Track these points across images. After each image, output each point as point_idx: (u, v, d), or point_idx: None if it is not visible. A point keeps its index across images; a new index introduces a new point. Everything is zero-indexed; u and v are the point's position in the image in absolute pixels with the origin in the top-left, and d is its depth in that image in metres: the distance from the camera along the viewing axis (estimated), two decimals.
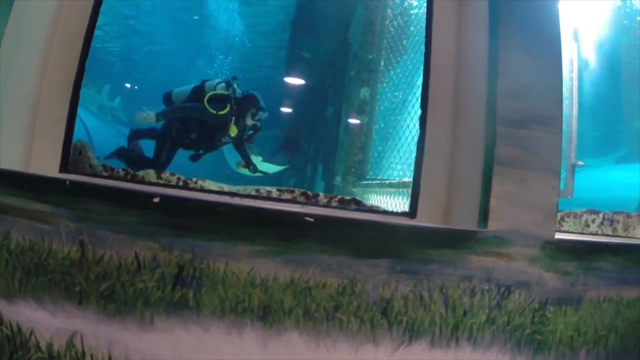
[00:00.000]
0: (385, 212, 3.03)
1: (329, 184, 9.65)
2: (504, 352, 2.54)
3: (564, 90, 3.92)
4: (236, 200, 2.78)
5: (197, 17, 20.03)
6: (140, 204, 2.31)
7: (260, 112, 7.57)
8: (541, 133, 2.60)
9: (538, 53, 2.67)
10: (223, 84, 7.45)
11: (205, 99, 7.17)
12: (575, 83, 4.03)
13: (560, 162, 2.65)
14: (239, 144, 7.94)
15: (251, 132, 7.74)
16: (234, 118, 7.35)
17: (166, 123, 7.30)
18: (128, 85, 24.93)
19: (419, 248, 2.44)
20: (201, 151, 7.74)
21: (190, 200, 2.41)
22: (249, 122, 7.56)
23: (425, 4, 3.14)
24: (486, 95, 2.69)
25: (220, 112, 7.19)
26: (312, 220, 2.35)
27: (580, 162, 3.82)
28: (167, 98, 7.52)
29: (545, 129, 2.61)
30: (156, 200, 2.30)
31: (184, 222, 2.31)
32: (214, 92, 7.28)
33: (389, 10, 7.00)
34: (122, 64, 22.82)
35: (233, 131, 7.40)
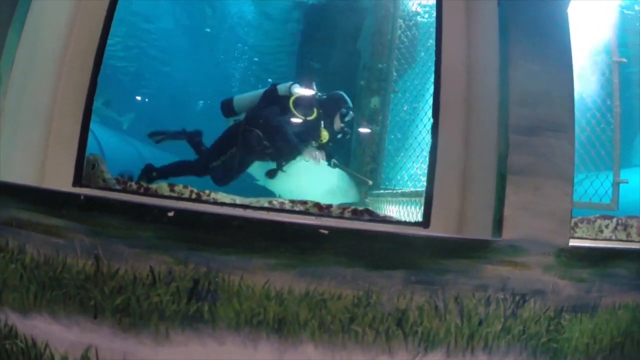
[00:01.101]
0: (399, 222, 3.03)
1: None
2: None
3: (607, 114, 3.91)
4: (250, 214, 2.78)
5: (208, 30, 20.13)
6: (155, 218, 2.32)
7: (350, 113, 6.76)
8: (553, 140, 2.60)
9: (548, 60, 2.67)
10: (297, 85, 6.67)
11: (291, 102, 6.48)
12: (618, 110, 3.96)
13: (573, 169, 2.63)
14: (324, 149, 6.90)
15: (340, 135, 6.83)
16: (322, 122, 6.59)
17: (241, 130, 6.48)
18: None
19: (434, 258, 2.44)
20: (283, 163, 6.65)
21: (205, 214, 2.41)
22: (337, 125, 6.73)
23: (435, 13, 3.15)
24: (498, 103, 2.69)
25: (309, 118, 6.51)
26: (326, 232, 2.35)
27: (625, 180, 3.84)
28: (228, 106, 6.86)
29: (558, 136, 2.60)
30: (171, 214, 2.31)
31: (199, 235, 2.31)
32: (298, 95, 6.55)
33: (400, 20, 7.00)
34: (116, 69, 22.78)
35: (325, 137, 6.62)
